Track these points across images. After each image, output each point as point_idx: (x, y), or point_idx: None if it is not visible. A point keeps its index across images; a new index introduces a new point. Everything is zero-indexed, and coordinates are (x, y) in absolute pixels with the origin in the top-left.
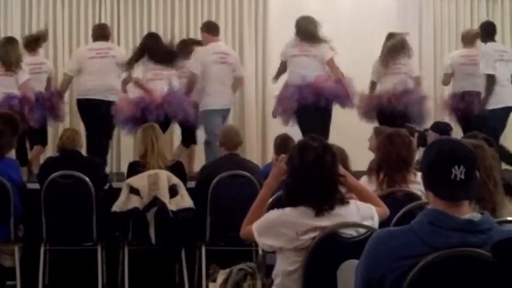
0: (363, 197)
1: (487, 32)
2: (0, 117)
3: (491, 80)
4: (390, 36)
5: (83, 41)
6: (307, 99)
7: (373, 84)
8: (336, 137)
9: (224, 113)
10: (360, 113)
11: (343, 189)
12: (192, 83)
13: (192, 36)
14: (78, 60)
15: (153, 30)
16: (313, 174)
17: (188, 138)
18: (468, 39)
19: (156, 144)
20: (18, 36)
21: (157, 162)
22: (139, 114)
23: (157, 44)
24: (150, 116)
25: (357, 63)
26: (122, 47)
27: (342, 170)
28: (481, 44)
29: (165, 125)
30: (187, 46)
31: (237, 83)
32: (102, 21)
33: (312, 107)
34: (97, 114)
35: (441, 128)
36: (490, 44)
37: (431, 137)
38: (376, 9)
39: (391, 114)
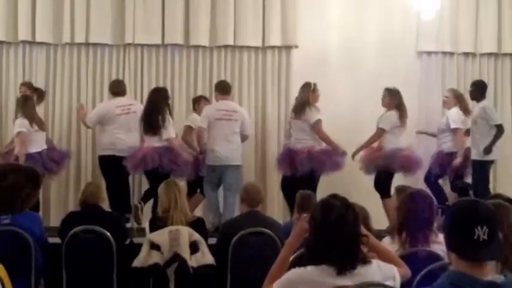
0: (384, 257)
1: (482, 90)
2: (22, 171)
3: (501, 129)
4: (396, 92)
5: (106, 92)
6: None
7: (382, 132)
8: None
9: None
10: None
11: (364, 249)
12: (199, 136)
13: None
14: (103, 114)
15: (177, 81)
16: (335, 233)
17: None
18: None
19: (179, 199)
20: (42, 85)
21: (179, 218)
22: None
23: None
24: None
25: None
26: (145, 97)
27: (363, 230)
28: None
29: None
30: (199, 101)
31: (243, 139)
32: (126, 72)
33: None
34: (121, 170)
35: (460, 187)
36: (487, 100)
37: (451, 197)
38: (399, 66)
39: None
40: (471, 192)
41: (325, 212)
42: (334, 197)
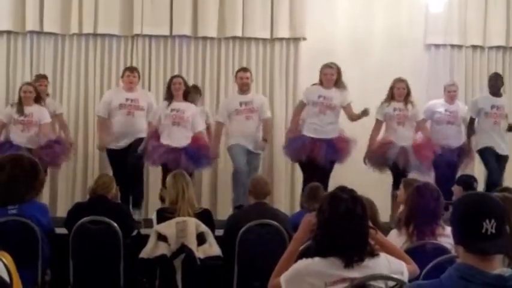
0: (392, 254)
1: None
2: (22, 161)
3: None
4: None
5: (114, 82)
6: None
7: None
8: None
9: None
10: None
11: (372, 241)
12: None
13: (222, 78)
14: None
15: (184, 72)
16: (343, 226)
17: None
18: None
19: (187, 191)
20: (49, 76)
21: (187, 209)
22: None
23: None
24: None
25: None
26: (153, 89)
27: (371, 225)
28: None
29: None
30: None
31: None
32: (134, 63)
33: None
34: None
35: (465, 180)
36: None
37: (457, 190)
38: (406, 59)
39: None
40: (476, 184)
41: (333, 205)
42: (342, 189)
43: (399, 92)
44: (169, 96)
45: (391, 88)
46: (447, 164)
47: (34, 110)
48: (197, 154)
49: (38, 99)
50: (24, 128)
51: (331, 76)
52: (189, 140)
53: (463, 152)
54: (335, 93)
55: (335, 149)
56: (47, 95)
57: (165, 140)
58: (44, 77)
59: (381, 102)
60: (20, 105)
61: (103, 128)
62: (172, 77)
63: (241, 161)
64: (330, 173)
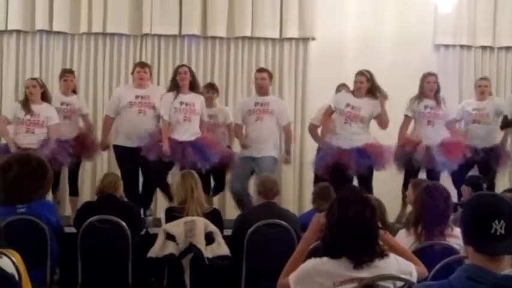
0: (401, 255)
1: None
2: (30, 160)
3: None
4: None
5: (123, 81)
6: None
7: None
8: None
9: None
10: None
11: (381, 242)
12: None
13: (231, 78)
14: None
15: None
16: (353, 228)
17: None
18: None
19: (196, 190)
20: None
21: (195, 209)
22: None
23: None
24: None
25: (393, 113)
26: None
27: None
28: None
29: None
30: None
31: None
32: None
33: None
34: None
35: (473, 181)
36: None
37: (465, 191)
38: (416, 59)
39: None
40: (484, 185)
41: (342, 207)
42: (352, 191)
43: (429, 86)
44: (175, 87)
45: (422, 83)
46: (466, 164)
47: (42, 109)
48: (205, 149)
49: (46, 96)
50: (28, 129)
51: (361, 84)
52: (197, 135)
53: (495, 153)
54: (365, 103)
55: (366, 155)
56: (74, 91)
57: (173, 135)
58: (70, 71)
59: (410, 99)
60: (27, 103)
61: (107, 128)
62: (178, 66)
63: (238, 185)
64: (371, 181)
